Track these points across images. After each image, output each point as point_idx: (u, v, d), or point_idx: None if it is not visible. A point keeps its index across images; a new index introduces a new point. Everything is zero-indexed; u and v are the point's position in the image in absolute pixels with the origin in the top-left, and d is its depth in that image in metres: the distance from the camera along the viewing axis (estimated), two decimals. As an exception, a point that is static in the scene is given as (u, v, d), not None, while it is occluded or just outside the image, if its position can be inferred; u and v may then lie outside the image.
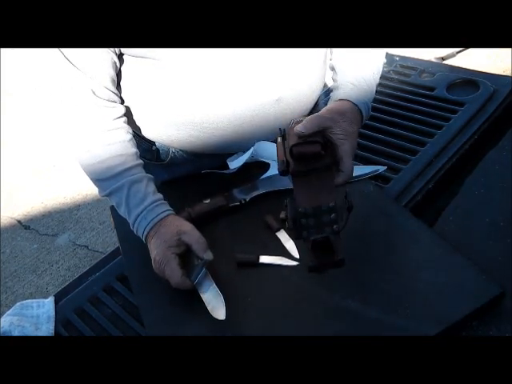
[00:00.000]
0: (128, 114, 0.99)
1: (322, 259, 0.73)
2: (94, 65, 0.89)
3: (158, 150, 1.07)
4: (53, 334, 0.91)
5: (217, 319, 0.77)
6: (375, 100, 1.21)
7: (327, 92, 1.24)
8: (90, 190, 2.64)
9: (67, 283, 1.04)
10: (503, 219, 0.84)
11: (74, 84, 0.90)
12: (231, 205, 0.96)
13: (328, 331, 0.73)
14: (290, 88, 0.95)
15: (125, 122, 0.96)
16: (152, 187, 0.92)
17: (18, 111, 3.43)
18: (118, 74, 0.95)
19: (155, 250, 0.84)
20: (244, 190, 0.99)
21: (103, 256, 1.08)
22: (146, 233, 0.88)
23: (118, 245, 1.01)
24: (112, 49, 0.89)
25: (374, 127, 1.15)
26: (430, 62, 1.32)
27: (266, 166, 1.04)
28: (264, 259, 0.85)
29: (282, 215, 0.78)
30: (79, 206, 2.63)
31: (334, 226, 0.72)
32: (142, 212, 0.88)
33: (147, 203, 0.88)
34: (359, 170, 0.98)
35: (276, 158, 0.79)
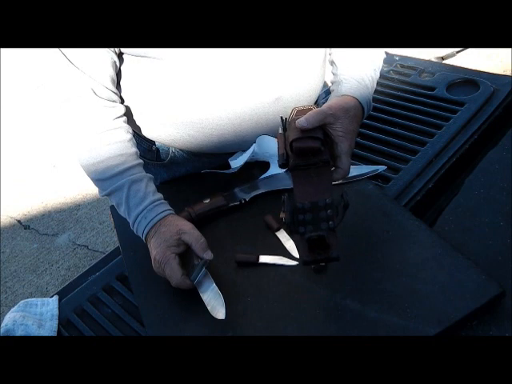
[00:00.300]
0: (128, 113, 0.99)
1: (317, 255, 0.73)
2: (93, 64, 0.89)
3: (158, 149, 1.07)
4: (56, 332, 0.91)
5: (217, 319, 0.77)
6: (375, 100, 1.22)
7: (327, 91, 1.24)
8: (90, 189, 2.64)
9: (67, 283, 1.04)
10: (503, 219, 0.84)
11: (74, 84, 0.90)
12: (231, 205, 0.96)
13: (328, 331, 0.73)
14: (290, 87, 0.95)
15: (125, 122, 0.96)
16: (152, 187, 0.92)
17: (17, 111, 3.43)
18: (118, 74, 0.95)
19: (155, 250, 0.84)
20: (244, 189, 0.99)
21: (103, 256, 1.08)
22: (145, 232, 0.88)
23: (118, 245, 1.02)
24: (112, 48, 0.89)
25: (374, 127, 1.15)
26: (430, 62, 1.32)
27: (266, 166, 1.04)
28: (264, 259, 0.85)
29: (282, 214, 0.79)
30: (79, 206, 2.63)
31: (330, 223, 0.73)
32: (142, 212, 0.88)
33: (147, 203, 0.88)
34: (359, 170, 0.98)
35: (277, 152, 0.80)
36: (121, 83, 0.97)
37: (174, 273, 0.82)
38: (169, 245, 0.84)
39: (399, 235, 0.83)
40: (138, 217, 0.88)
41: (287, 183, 0.98)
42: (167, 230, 0.85)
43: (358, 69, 0.92)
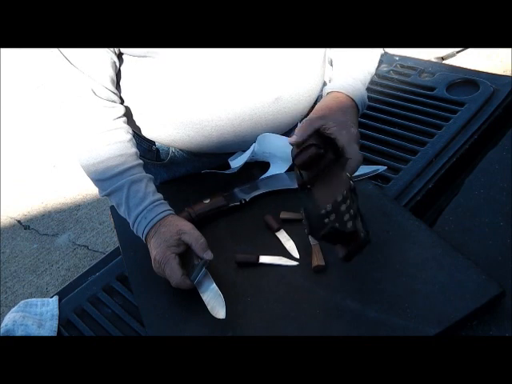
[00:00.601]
0: (128, 113, 0.99)
1: (349, 246, 0.73)
2: (93, 65, 0.89)
3: (158, 149, 1.07)
4: (56, 332, 0.91)
5: (217, 319, 0.77)
6: (375, 100, 1.22)
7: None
8: (90, 189, 2.64)
9: (67, 283, 1.04)
10: (503, 219, 0.84)
11: (74, 84, 0.90)
12: (231, 205, 0.96)
13: (328, 331, 0.73)
14: (289, 88, 0.96)
15: (124, 122, 0.96)
16: (152, 187, 0.92)
17: (18, 111, 3.43)
18: (118, 74, 0.95)
19: (155, 250, 0.84)
20: (244, 189, 0.99)
21: (103, 256, 1.08)
22: (145, 232, 0.88)
23: (118, 245, 1.02)
24: (111, 49, 0.89)
25: (374, 127, 1.15)
26: (430, 62, 1.32)
27: (266, 166, 1.04)
28: (264, 259, 0.85)
29: (284, 215, 0.79)
30: (79, 206, 2.63)
31: (351, 211, 0.73)
32: (141, 212, 0.88)
33: (147, 203, 0.88)
34: (359, 170, 0.98)
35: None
36: (121, 83, 0.97)
37: (173, 273, 0.82)
38: (169, 245, 0.84)
39: (399, 235, 0.83)
40: (137, 217, 0.88)
41: (287, 183, 0.98)
42: (167, 230, 0.85)
43: (344, 64, 0.94)
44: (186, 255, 0.85)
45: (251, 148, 0.98)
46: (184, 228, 0.85)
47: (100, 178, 0.92)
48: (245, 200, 0.97)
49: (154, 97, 0.95)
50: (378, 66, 1.04)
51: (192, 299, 0.82)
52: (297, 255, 0.85)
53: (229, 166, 1.04)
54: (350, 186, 0.74)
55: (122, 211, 0.91)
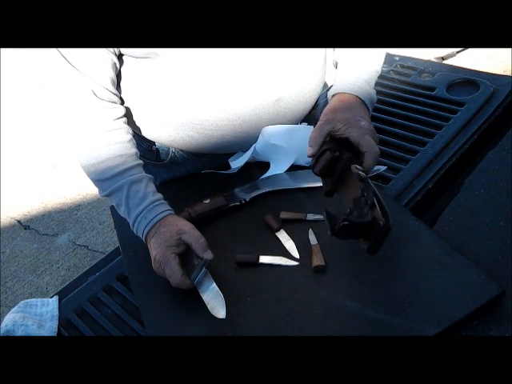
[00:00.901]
0: (128, 114, 0.99)
1: (370, 238, 0.73)
2: (93, 66, 0.89)
3: (158, 150, 1.07)
4: (56, 332, 0.91)
5: (217, 319, 0.77)
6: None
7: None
8: (90, 189, 2.64)
9: (67, 283, 1.04)
10: (503, 219, 0.84)
11: (74, 85, 0.90)
12: (231, 205, 0.96)
13: (328, 331, 0.73)
14: (290, 88, 0.96)
15: (125, 123, 0.96)
16: (152, 187, 0.92)
17: (18, 111, 3.43)
18: (118, 75, 0.95)
19: (155, 250, 0.84)
20: (244, 189, 0.99)
21: (103, 256, 1.08)
22: (145, 232, 0.88)
23: (118, 245, 1.02)
24: (112, 50, 0.89)
25: (374, 127, 1.14)
26: (430, 62, 1.32)
27: (266, 166, 1.04)
28: (264, 259, 0.85)
29: (284, 215, 0.78)
30: (79, 206, 2.63)
31: (368, 201, 0.73)
32: (141, 212, 0.88)
33: (147, 203, 0.88)
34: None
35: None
36: (121, 84, 0.97)
37: (173, 273, 0.82)
38: (169, 245, 0.84)
39: (399, 235, 0.83)
40: (137, 217, 0.88)
41: (287, 183, 0.98)
42: (167, 230, 0.85)
43: (347, 65, 0.94)
44: (186, 255, 0.85)
45: (251, 149, 0.99)
46: (184, 228, 0.85)
47: (100, 179, 0.92)
48: (245, 200, 0.97)
49: (155, 97, 0.95)
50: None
51: (192, 299, 0.82)
52: (297, 255, 0.85)
53: (229, 167, 1.04)
54: (361, 177, 0.74)
55: (121, 211, 0.91)
